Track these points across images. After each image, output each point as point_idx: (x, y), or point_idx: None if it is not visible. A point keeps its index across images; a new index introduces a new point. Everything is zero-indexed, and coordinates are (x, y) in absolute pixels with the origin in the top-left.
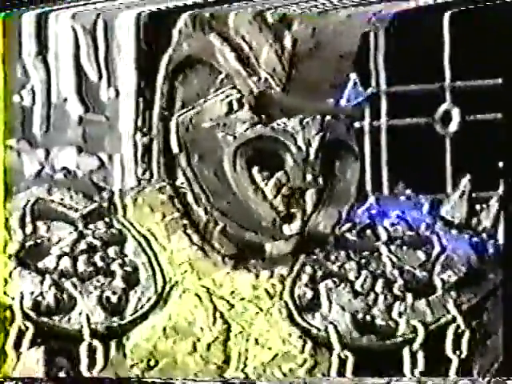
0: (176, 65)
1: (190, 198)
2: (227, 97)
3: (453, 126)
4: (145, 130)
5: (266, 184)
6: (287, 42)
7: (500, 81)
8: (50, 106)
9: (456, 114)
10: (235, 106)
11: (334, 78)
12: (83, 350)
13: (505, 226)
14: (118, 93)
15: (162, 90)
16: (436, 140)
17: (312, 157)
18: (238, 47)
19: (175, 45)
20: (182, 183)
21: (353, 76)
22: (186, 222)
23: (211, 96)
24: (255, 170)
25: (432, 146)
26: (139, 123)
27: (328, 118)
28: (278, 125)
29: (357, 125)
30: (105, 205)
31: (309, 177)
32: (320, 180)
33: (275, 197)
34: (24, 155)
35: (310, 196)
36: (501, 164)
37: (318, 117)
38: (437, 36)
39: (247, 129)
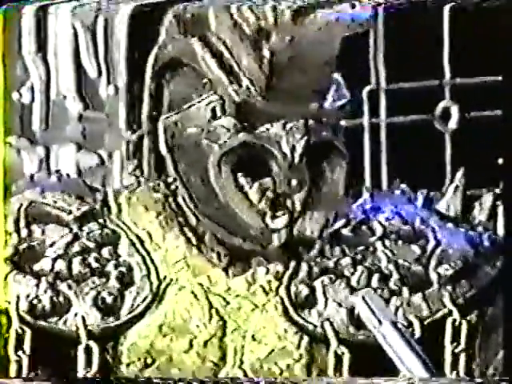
0: (161, 65)
1: (180, 200)
2: (210, 103)
3: (452, 123)
4: (134, 127)
5: (253, 191)
6: (265, 53)
7: (500, 78)
8: (49, 103)
9: (455, 111)
10: (218, 113)
11: (316, 83)
12: (80, 351)
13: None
14: (117, 90)
15: (150, 89)
16: (435, 137)
17: (297, 161)
18: (219, 53)
19: (161, 44)
20: (173, 181)
21: (336, 77)
22: (181, 219)
23: (195, 101)
24: (241, 177)
25: (431, 142)
26: (129, 120)
27: (311, 121)
28: (261, 131)
29: (343, 123)
30: (98, 206)
31: (294, 182)
32: (306, 184)
33: (260, 202)
34: (24, 152)
35: (295, 200)
36: (500, 161)
37: (302, 121)
38: (436, 33)
39: (231, 136)
